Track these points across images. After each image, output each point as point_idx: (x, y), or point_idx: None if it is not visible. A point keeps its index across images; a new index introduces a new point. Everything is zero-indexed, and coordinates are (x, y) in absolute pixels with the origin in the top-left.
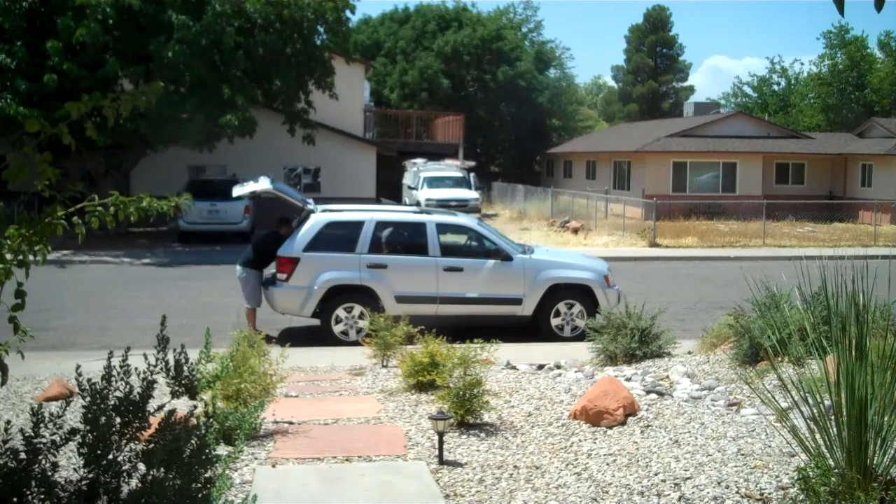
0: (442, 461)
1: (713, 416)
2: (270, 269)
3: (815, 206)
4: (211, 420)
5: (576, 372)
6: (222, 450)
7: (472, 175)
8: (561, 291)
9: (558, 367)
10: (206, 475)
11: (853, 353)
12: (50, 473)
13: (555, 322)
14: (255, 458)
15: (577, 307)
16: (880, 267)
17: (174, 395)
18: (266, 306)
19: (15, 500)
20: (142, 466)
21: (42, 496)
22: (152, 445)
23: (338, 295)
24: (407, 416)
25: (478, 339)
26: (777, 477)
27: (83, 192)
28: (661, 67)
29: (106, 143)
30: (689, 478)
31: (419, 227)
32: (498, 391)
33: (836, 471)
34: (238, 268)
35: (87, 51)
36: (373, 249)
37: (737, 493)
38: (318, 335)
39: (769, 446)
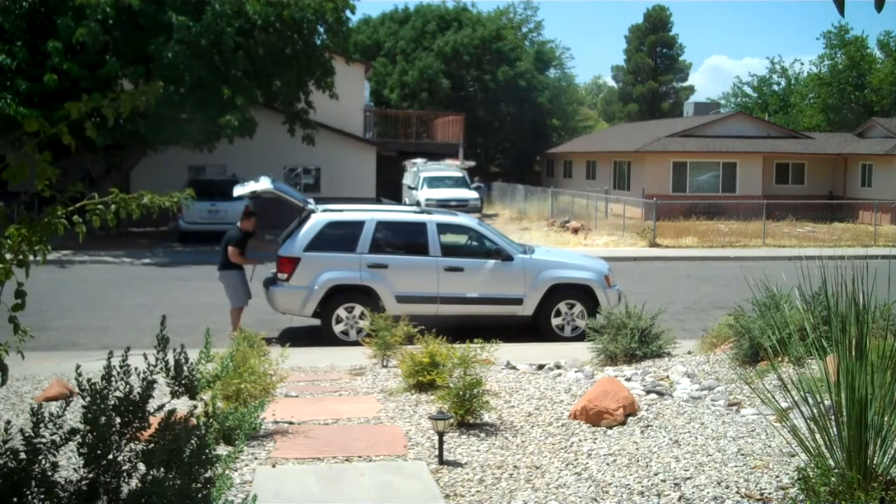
0: (442, 461)
1: (713, 416)
2: (271, 269)
3: (815, 206)
4: (211, 420)
5: (576, 372)
6: (222, 450)
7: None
8: (561, 291)
9: (558, 367)
10: (206, 475)
11: (853, 353)
12: (50, 473)
13: (555, 322)
14: (255, 458)
15: (578, 307)
16: (880, 267)
17: (174, 395)
18: (266, 306)
19: (15, 500)
20: (142, 466)
21: (42, 496)
22: (152, 445)
23: (338, 295)
24: (407, 416)
25: (478, 339)
26: (777, 477)
27: (83, 192)
28: (661, 67)
29: (106, 143)
30: (689, 478)
31: (420, 227)
32: (498, 391)
33: (836, 471)
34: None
35: (87, 51)
36: (373, 249)
37: (737, 493)
38: (318, 335)
39: (769, 446)
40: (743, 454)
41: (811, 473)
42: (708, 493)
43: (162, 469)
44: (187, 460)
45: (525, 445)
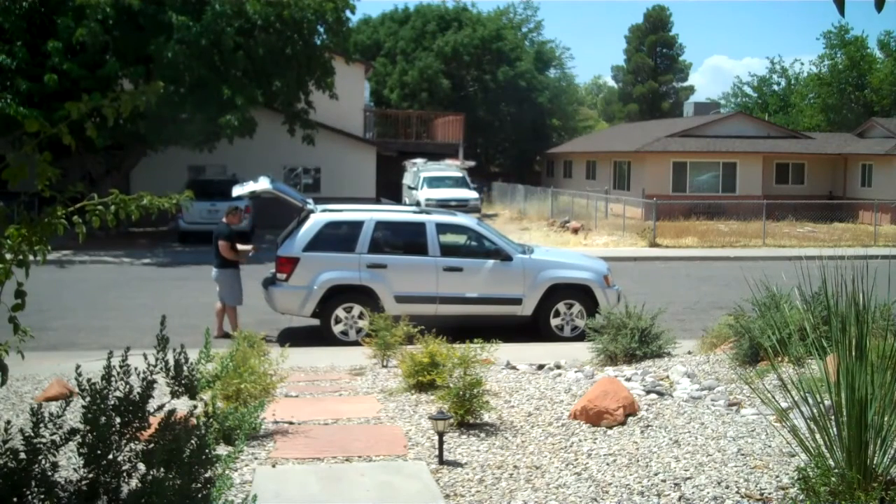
0: (442, 461)
1: (713, 416)
2: (270, 269)
3: (815, 206)
4: (211, 420)
5: (576, 372)
6: (222, 450)
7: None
8: (561, 291)
9: (558, 367)
10: (206, 475)
11: (853, 353)
12: (50, 473)
13: (555, 322)
14: (255, 458)
15: (577, 307)
16: (880, 267)
17: (174, 395)
18: (266, 306)
19: (15, 500)
20: (142, 466)
21: (42, 496)
22: (152, 445)
23: (337, 295)
24: (407, 416)
25: (478, 339)
26: (777, 477)
27: (83, 193)
28: (661, 67)
29: (106, 143)
30: (689, 478)
31: (419, 227)
32: (498, 391)
33: (836, 471)
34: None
35: (87, 51)
36: (372, 249)
37: (737, 493)
38: (318, 335)
39: (769, 446)
40: (743, 454)
41: (811, 473)
42: (708, 493)
43: (162, 469)
44: (187, 460)
45: (525, 445)
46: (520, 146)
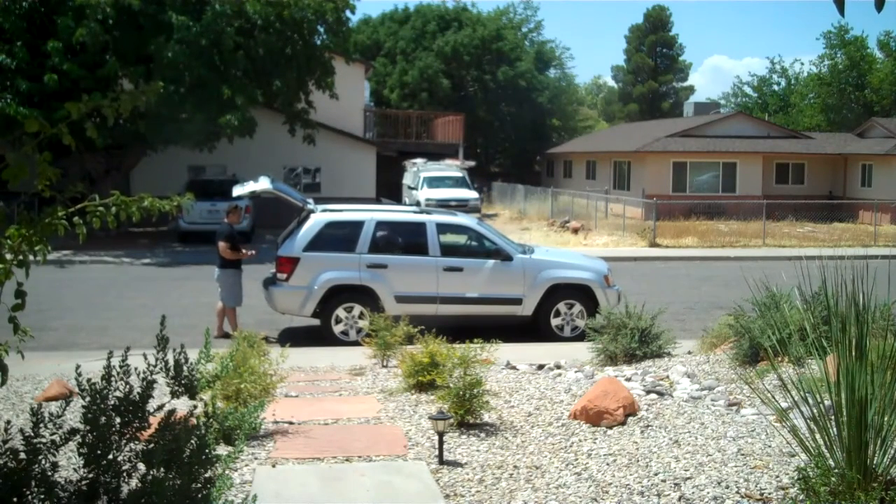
0: (442, 461)
1: (713, 416)
2: (270, 269)
3: (815, 206)
4: (211, 420)
5: (576, 372)
6: (222, 450)
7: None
8: (561, 291)
9: (558, 367)
10: (206, 475)
11: (853, 353)
12: (50, 473)
13: (555, 322)
14: (255, 458)
15: (577, 307)
16: (880, 267)
17: (174, 395)
18: (266, 306)
19: (15, 500)
20: (142, 466)
21: (42, 496)
22: (152, 445)
23: (338, 295)
24: (407, 416)
25: (478, 339)
26: (777, 477)
27: (83, 193)
28: (661, 67)
29: (106, 143)
30: (689, 478)
31: (419, 227)
32: (498, 391)
33: (836, 471)
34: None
35: (87, 51)
36: (373, 249)
37: (737, 493)
38: (318, 335)
39: (769, 446)
40: (743, 454)
41: (811, 473)
42: (708, 493)
43: (162, 469)
44: (187, 460)
45: (525, 445)
46: (520, 146)
